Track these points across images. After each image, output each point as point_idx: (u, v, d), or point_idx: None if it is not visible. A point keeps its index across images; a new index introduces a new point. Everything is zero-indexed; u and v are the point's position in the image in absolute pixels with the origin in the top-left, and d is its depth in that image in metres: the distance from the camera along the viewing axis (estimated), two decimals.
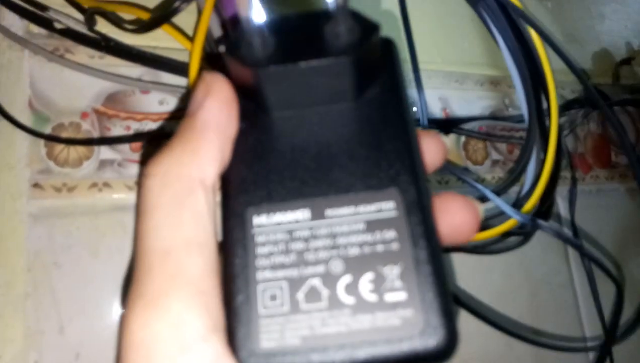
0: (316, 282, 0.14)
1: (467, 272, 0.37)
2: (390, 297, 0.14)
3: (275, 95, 0.16)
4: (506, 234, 0.35)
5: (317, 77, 0.15)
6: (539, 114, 0.31)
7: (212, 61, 0.28)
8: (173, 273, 0.14)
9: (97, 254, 0.28)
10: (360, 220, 0.15)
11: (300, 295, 0.14)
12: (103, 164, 0.29)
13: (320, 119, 0.16)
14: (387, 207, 0.15)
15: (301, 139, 0.16)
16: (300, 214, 0.15)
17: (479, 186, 0.32)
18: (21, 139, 0.28)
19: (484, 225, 0.32)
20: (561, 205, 0.43)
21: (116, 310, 0.28)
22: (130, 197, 0.30)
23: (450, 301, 0.14)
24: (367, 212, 0.15)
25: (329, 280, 0.14)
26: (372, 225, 0.15)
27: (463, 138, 0.42)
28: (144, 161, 0.27)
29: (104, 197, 0.29)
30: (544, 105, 0.32)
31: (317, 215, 0.15)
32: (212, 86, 0.16)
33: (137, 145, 0.30)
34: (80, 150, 0.29)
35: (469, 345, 0.36)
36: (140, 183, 0.15)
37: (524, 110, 0.30)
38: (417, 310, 0.14)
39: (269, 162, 0.16)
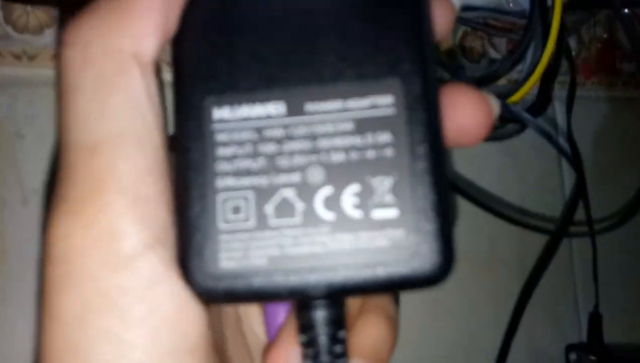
0: (289, 193, 0.12)
1: (457, 161, 0.36)
2: (378, 213, 0.12)
3: None
4: (504, 121, 0.34)
5: None
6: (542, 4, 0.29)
7: None
8: (102, 174, 0.11)
9: None
10: (348, 118, 0.12)
11: (269, 208, 0.12)
12: None
13: None
14: (383, 103, 0.12)
15: (278, 7, 0.12)
16: (273, 108, 0.12)
17: (460, 73, 0.31)
18: None
19: None
20: (558, 109, 0.41)
21: None
22: None
23: (450, 221, 0.12)
24: (358, 108, 0.12)
25: (306, 191, 0.12)
26: (363, 125, 0.12)
27: (460, 33, 0.39)
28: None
29: None
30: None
31: (295, 110, 0.12)
32: None
33: None
34: (41, 16, 0.27)
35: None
36: (59, 53, 0.12)
37: None
38: (409, 230, 0.11)
39: (235, 36, 0.12)
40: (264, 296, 0.12)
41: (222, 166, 0.12)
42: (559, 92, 0.41)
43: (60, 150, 0.12)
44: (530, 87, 0.31)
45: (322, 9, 0.12)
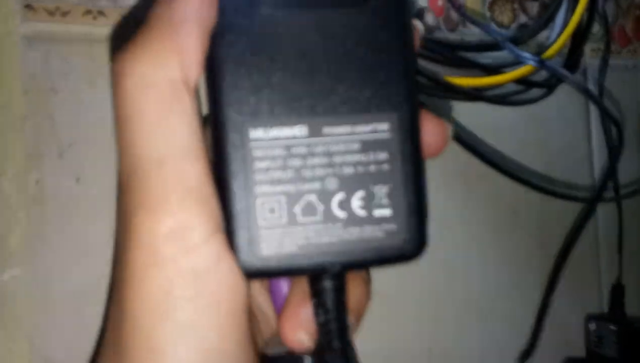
0: (312, 197, 0.16)
1: (484, 130, 0.37)
2: (377, 212, 0.17)
3: None
4: (529, 85, 0.35)
5: None
6: None
7: None
8: (172, 181, 0.15)
9: (94, 84, 0.29)
10: (355, 140, 0.16)
11: (297, 209, 0.16)
12: None
13: (319, 24, 0.17)
14: (381, 129, 0.17)
15: (299, 45, 0.16)
16: (298, 130, 0.16)
17: (493, 31, 0.32)
18: None
19: (500, 72, 0.32)
20: (591, 77, 0.42)
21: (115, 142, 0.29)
22: None
23: (426, 216, 0.17)
24: (363, 133, 0.17)
25: (324, 196, 0.16)
26: (367, 146, 0.17)
27: None
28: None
29: (99, 25, 0.29)
30: None
31: (315, 132, 0.16)
32: None
33: None
34: None
35: (475, 211, 0.37)
36: (115, 81, 0.15)
37: None
38: (399, 225, 0.17)
39: (265, 69, 0.16)
40: (294, 272, 0.17)
41: (259, 176, 0.16)
42: (593, 60, 0.42)
43: (125, 164, 0.16)
44: (561, 46, 0.32)
45: (331, 48, 0.17)
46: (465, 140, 0.33)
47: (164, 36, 0.15)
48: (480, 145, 0.35)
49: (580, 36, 0.35)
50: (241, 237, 0.16)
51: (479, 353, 0.36)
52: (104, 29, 0.29)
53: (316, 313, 0.17)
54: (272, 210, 0.16)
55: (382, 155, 0.16)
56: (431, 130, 0.18)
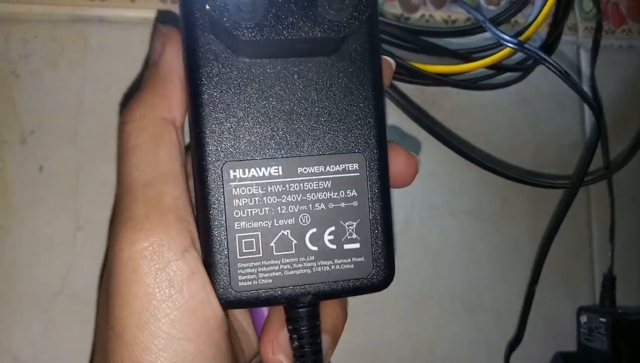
0: (286, 233, 0.19)
1: (468, 122, 0.37)
2: (347, 246, 0.19)
3: (253, 47, 0.18)
4: (502, 69, 0.35)
5: (302, 43, 0.18)
6: None
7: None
8: (154, 201, 0.18)
9: (57, 66, 0.29)
10: (327, 178, 0.19)
11: (273, 243, 0.19)
12: None
13: (295, 72, 0.19)
14: (351, 169, 0.19)
15: (276, 91, 0.19)
16: (274, 171, 0.19)
17: (474, 12, 0.32)
18: None
19: (473, 58, 0.32)
20: (584, 58, 0.43)
21: (78, 128, 0.29)
22: (91, 10, 0.30)
23: (392, 249, 0.20)
24: (334, 172, 0.19)
25: (298, 231, 0.19)
26: (337, 184, 0.19)
27: None
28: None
29: (62, 5, 0.29)
30: None
31: (290, 172, 0.19)
32: (169, 37, 0.20)
33: None
34: None
35: (462, 199, 0.37)
36: (120, 129, 0.19)
37: None
38: (367, 258, 0.19)
39: (243, 114, 0.19)
40: (269, 303, 0.19)
41: (238, 213, 0.19)
42: (586, 40, 0.42)
43: (121, 188, 0.19)
44: (538, 26, 0.33)
45: (306, 94, 0.19)
46: (437, 132, 0.34)
47: (154, 87, 0.20)
48: (466, 146, 0.35)
49: (561, 15, 0.35)
50: (220, 270, 0.19)
51: (467, 347, 0.37)
52: (66, 8, 0.29)
53: (291, 338, 0.20)
54: (249, 245, 0.19)
55: (352, 193, 0.19)
56: (401, 163, 0.21)
